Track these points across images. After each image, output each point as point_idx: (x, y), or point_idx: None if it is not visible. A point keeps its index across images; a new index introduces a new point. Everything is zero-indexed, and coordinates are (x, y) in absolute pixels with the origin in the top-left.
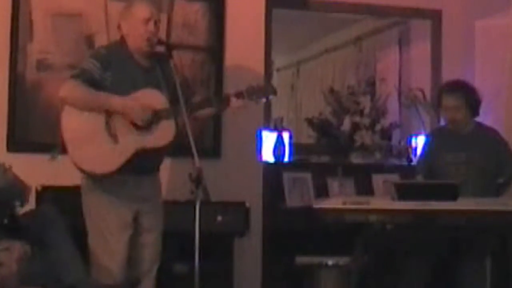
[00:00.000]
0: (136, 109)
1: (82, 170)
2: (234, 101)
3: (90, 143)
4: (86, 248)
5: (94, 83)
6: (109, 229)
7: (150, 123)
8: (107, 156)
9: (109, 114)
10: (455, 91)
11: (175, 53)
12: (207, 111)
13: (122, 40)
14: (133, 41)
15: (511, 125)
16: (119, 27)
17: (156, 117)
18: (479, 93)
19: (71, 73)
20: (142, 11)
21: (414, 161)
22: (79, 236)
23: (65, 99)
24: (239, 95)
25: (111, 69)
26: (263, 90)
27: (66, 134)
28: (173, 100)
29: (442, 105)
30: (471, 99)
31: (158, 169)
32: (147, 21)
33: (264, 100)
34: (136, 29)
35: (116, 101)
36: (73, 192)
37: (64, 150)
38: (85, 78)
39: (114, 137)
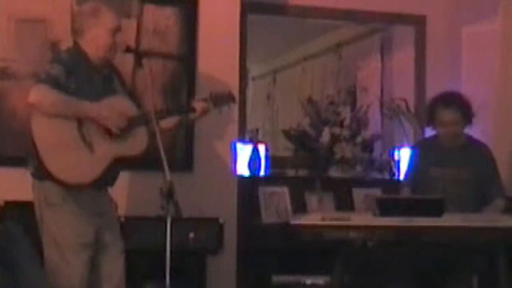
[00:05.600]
0: (112, 116)
1: (57, 180)
2: (198, 104)
3: (65, 151)
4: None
5: (59, 89)
6: (70, 247)
7: (124, 130)
8: (84, 165)
9: (80, 121)
10: (452, 104)
11: (145, 61)
12: (171, 122)
13: (79, 45)
14: (95, 49)
15: (499, 135)
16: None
17: (130, 124)
18: (471, 103)
19: (38, 78)
20: (110, 20)
21: (397, 174)
22: None
23: (36, 105)
24: (204, 99)
25: (74, 75)
26: (226, 96)
27: (39, 143)
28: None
29: (437, 119)
30: (467, 111)
31: (113, 184)
32: (114, 31)
33: (226, 108)
34: (102, 38)
35: (91, 108)
36: None
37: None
38: (53, 83)
39: (89, 145)
